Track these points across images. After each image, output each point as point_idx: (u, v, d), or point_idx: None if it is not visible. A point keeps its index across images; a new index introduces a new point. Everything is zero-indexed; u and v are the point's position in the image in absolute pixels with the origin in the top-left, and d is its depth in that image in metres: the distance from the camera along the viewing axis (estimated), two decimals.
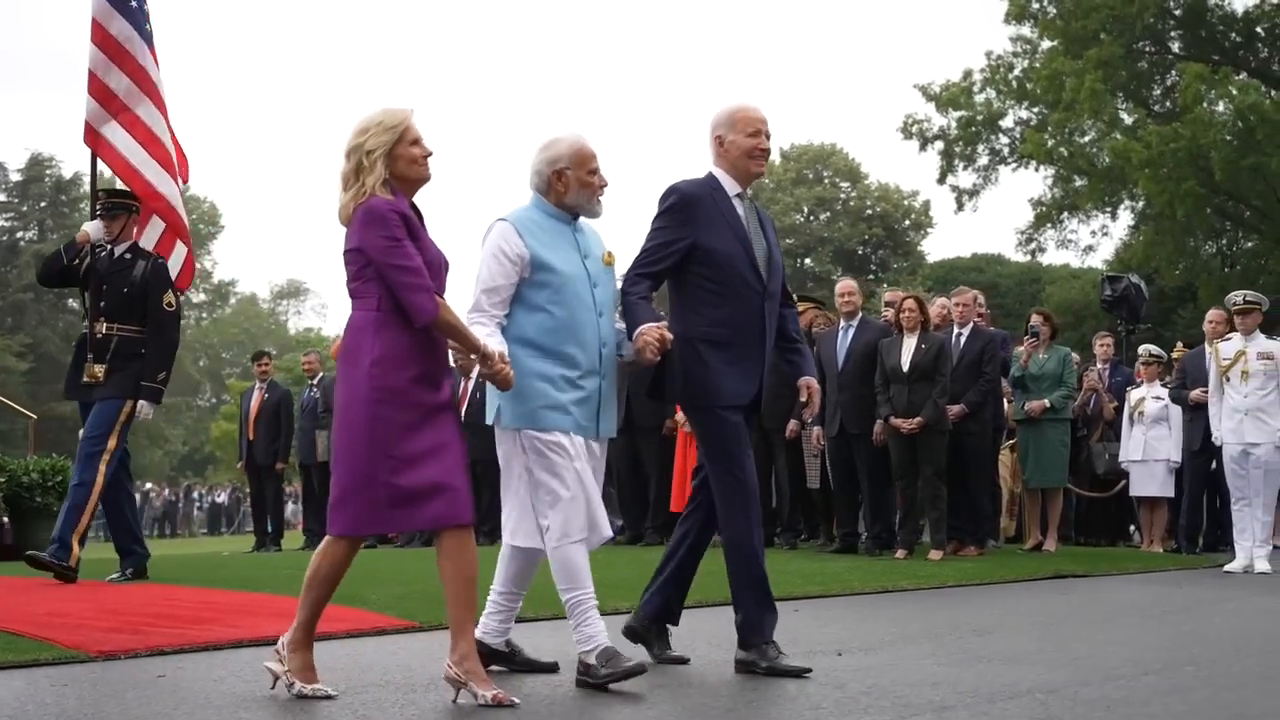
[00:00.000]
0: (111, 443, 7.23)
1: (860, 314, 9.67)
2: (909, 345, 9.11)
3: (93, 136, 7.57)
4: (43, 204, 54.45)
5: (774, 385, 4.73)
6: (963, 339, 9.68)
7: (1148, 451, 10.79)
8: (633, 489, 10.99)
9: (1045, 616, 6.31)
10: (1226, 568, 8.97)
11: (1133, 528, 12.31)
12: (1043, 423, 10.05)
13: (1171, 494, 10.75)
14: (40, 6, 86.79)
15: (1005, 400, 10.53)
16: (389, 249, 3.83)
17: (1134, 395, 11.01)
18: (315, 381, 12.60)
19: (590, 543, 4.30)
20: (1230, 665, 4.67)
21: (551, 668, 4.50)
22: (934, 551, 9.05)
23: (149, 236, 7.99)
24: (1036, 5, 33.95)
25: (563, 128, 4.76)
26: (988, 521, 9.95)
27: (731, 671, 4.53)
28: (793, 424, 9.61)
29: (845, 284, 9.80)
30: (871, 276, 52.55)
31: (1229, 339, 9.14)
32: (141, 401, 7.34)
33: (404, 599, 6.42)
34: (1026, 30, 34.86)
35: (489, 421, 4.35)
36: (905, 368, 9.04)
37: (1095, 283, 43.55)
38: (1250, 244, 35.58)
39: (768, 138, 4.57)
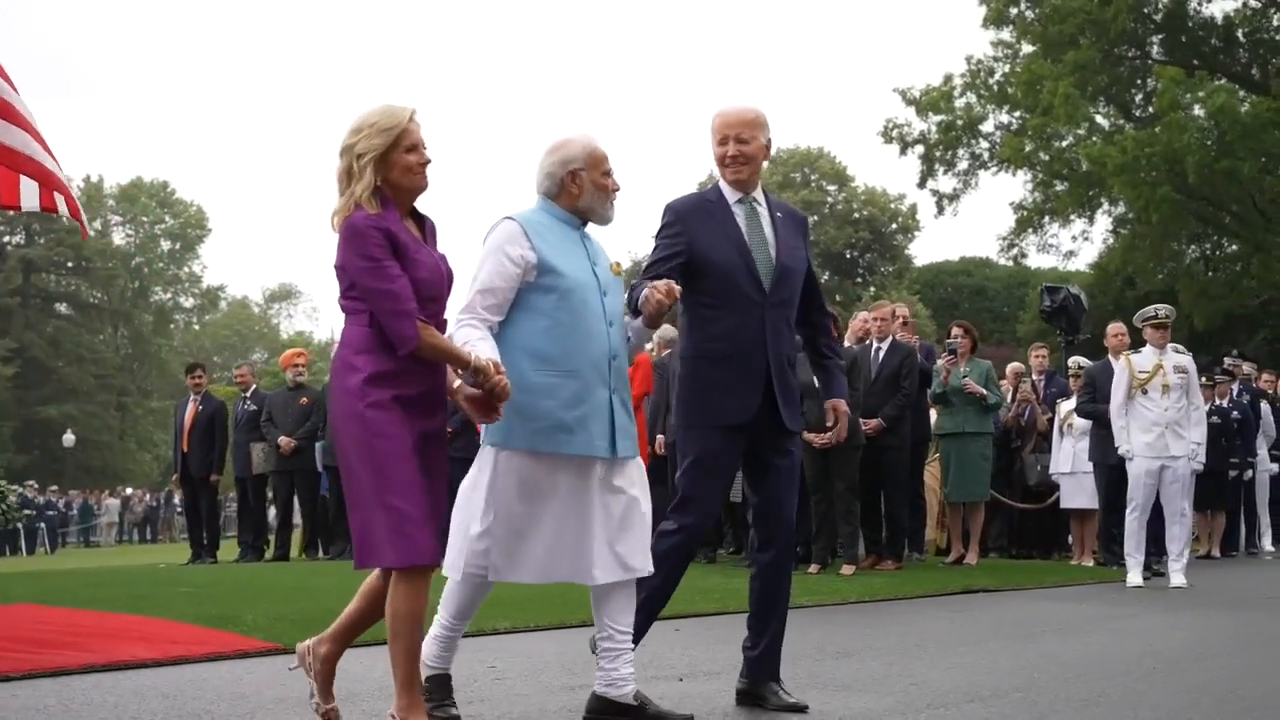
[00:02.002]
0: None
1: None
2: None
3: None
4: None
5: None
6: (881, 353, 9.70)
7: (1077, 463, 10.81)
8: None
9: (917, 637, 6.31)
10: (1128, 582, 9.03)
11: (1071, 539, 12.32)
12: (965, 436, 10.08)
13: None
14: (37, 11, 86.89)
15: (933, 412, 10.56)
16: (367, 270, 3.60)
17: (1063, 407, 11.03)
18: (249, 394, 12.68)
19: (583, 580, 4.02)
20: (1059, 692, 4.67)
21: None
22: (846, 566, 9.06)
23: (27, 195, 7.52)
24: (1015, 10, 33.99)
25: (568, 128, 4.36)
26: (906, 535, 9.96)
27: (559, 699, 4.54)
28: None
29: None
30: (859, 280, 52.62)
31: (1140, 352, 9.17)
32: None
33: (280, 620, 6.42)
34: (1007, 35, 34.90)
35: (483, 440, 4.02)
36: (817, 382, 9.02)
37: (1080, 287, 43.66)
38: (1234, 248, 35.55)
39: (740, 142, 4.38)
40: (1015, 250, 39.08)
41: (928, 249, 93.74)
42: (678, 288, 4.10)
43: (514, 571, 4.00)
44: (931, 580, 8.85)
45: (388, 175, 3.71)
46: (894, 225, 53.47)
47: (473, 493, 4.00)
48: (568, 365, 3.97)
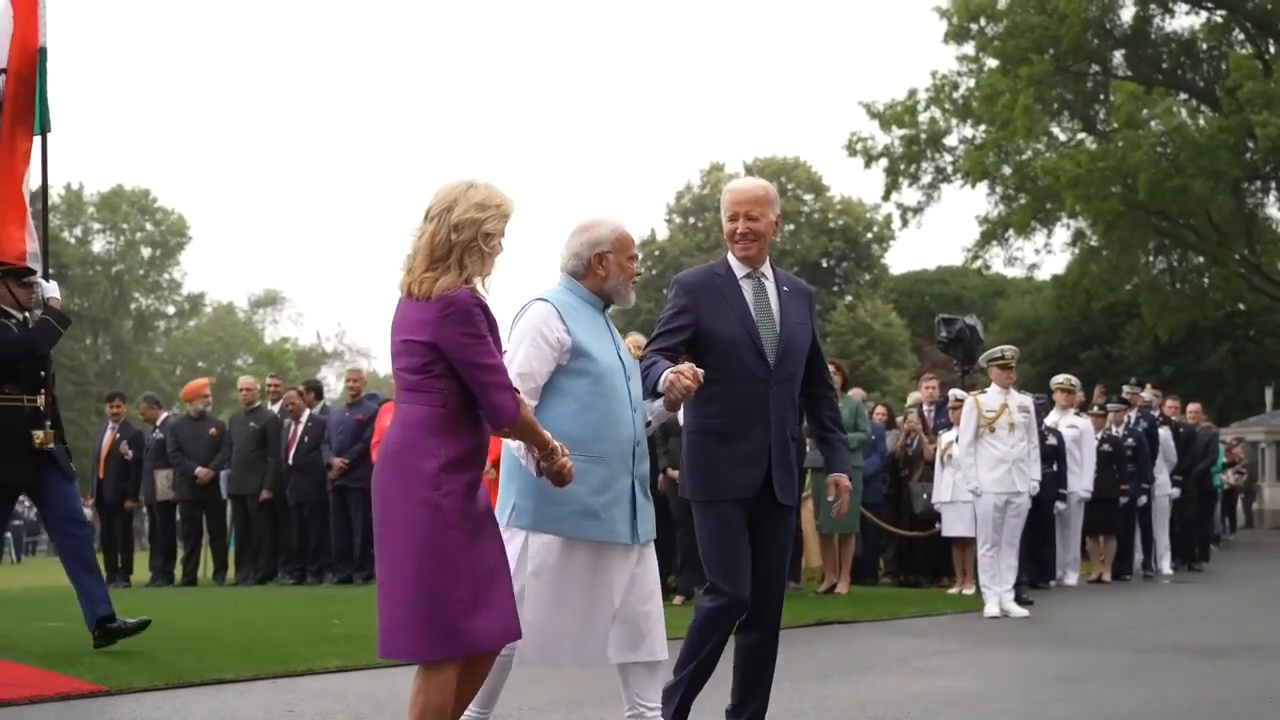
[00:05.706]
0: None
1: None
2: None
3: None
4: None
5: None
6: None
7: (957, 493, 11.13)
8: None
9: (719, 678, 6.58)
10: (985, 613, 9.37)
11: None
12: None
13: None
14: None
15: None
16: (472, 346, 3.59)
17: (944, 438, 11.38)
18: (159, 423, 13.11)
19: (601, 663, 4.23)
20: None
21: None
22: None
23: None
24: (976, 26, 34.32)
25: (596, 209, 4.47)
26: None
27: None
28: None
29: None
30: (836, 289, 52.95)
31: (986, 392, 9.57)
32: None
33: (120, 659, 6.64)
34: (970, 49, 35.22)
35: (501, 521, 4.02)
36: (681, 419, 9.35)
37: (1047, 299, 44.14)
38: (1199, 260, 35.92)
39: (750, 219, 4.52)
40: (979, 262, 39.39)
41: (902, 258, 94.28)
42: (701, 371, 4.24)
43: (545, 656, 4.16)
44: (791, 612, 9.07)
45: None
46: (869, 235, 53.80)
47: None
48: (596, 451, 4.09)
